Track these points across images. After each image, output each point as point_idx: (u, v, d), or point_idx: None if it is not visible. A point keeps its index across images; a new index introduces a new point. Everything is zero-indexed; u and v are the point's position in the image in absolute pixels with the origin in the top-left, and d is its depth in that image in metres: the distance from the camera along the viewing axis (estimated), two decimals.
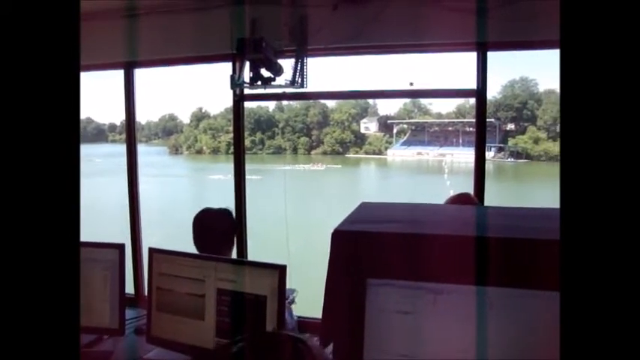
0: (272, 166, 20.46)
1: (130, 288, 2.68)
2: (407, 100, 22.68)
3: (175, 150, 24.74)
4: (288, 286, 2.15)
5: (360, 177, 21.93)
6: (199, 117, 24.41)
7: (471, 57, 2.35)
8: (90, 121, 25.00)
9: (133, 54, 2.69)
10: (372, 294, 0.85)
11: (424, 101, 22.18)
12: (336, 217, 0.97)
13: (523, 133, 20.50)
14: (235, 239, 2.13)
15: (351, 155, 22.69)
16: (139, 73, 2.88)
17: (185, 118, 25.51)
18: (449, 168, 20.11)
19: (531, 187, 17.75)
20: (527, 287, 0.78)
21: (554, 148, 19.41)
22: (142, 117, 25.33)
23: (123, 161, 2.90)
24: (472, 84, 2.36)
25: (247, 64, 2.39)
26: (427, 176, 20.33)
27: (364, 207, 1.08)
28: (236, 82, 2.44)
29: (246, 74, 2.40)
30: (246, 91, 2.60)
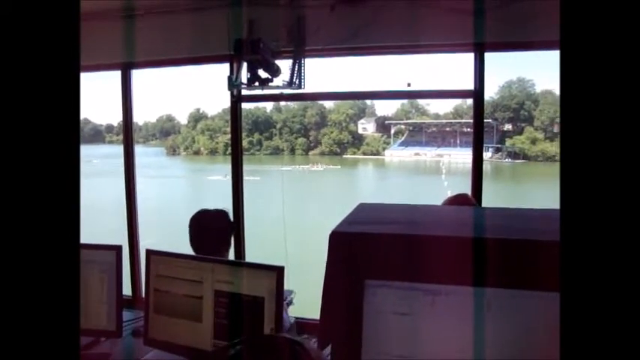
0: (270, 166, 20.48)
1: (127, 289, 2.68)
2: (404, 101, 22.76)
3: (173, 151, 24.74)
4: (286, 287, 2.16)
5: (358, 178, 21.96)
6: (197, 118, 24.42)
7: (469, 58, 2.36)
8: (87, 122, 24.96)
9: (130, 55, 2.69)
10: (369, 295, 0.85)
11: (422, 102, 22.27)
12: (336, 218, 0.97)
13: (520, 133, 20.59)
14: (232, 240, 2.13)
15: (348, 156, 22.73)
16: (136, 74, 2.88)
17: (183, 118, 25.56)
18: (446, 168, 20.15)
19: (529, 188, 17.81)
20: (525, 288, 0.78)
21: (552, 148, 19.51)
22: (139, 118, 25.34)
23: (120, 162, 2.89)
24: (469, 85, 2.37)
25: (245, 65, 2.39)
26: (425, 177, 20.38)
27: (362, 208, 1.08)
28: (233, 83, 2.44)
29: (244, 75, 2.40)
30: (244, 92, 2.60)
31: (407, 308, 0.83)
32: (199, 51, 2.65)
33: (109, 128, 25.70)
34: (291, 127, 23.20)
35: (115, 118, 23.73)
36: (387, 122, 23.07)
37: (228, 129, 2.79)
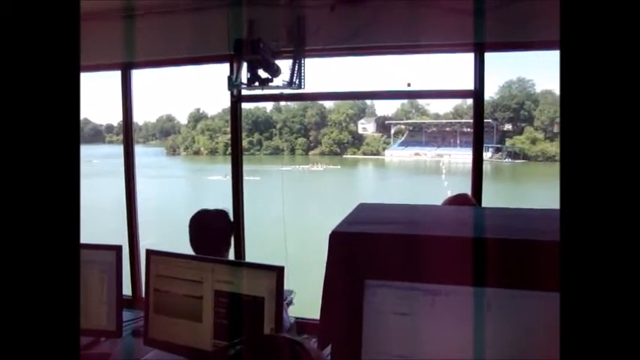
0: (271, 166, 20.49)
1: (127, 289, 2.68)
2: (404, 101, 22.76)
3: (173, 151, 24.73)
4: (286, 287, 2.16)
5: (358, 178, 21.97)
6: (197, 118, 24.42)
7: (469, 58, 2.36)
8: (87, 122, 24.96)
9: (130, 55, 2.69)
10: (369, 295, 0.85)
11: (422, 102, 22.27)
12: (336, 218, 0.97)
13: (520, 133, 20.59)
14: (232, 240, 2.13)
15: (348, 156, 22.73)
16: (136, 74, 2.88)
17: (183, 118, 25.55)
18: (446, 168, 20.15)
19: (529, 188, 17.82)
20: (525, 288, 0.78)
21: (551, 148, 19.51)
22: (139, 118, 25.34)
23: (120, 162, 2.89)
24: (470, 85, 2.37)
25: (245, 65, 2.39)
26: (425, 177, 20.38)
27: (362, 208, 1.08)
28: (233, 83, 2.44)
29: (244, 75, 2.40)
30: (244, 92, 2.60)
31: (407, 308, 0.83)
32: (199, 51, 2.65)
33: (109, 128, 25.71)
34: (291, 127, 23.20)
35: (115, 118, 23.75)
36: (387, 122, 23.07)
37: (228, 129, 2.79)
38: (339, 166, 22.00)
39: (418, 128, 22.73)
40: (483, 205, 2.32)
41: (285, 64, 2.45)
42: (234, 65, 2.45)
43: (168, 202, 15.71)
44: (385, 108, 23.61)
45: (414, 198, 13.49)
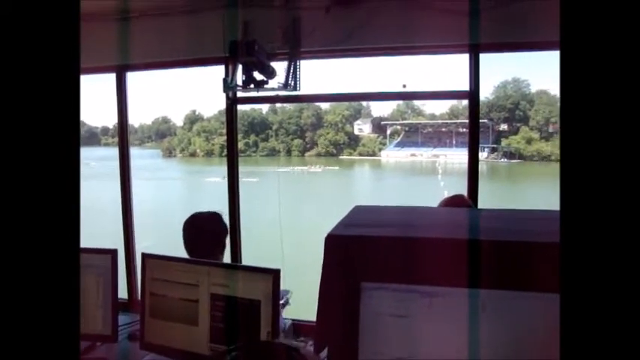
0: (268, 168, 20.45)
1: (123, 293, 2.66)
2: (400, 102, 22.77)
3: (169, 153, 24.66)
4: (287, 288, 2.16)
5: (356, 179, 21.98)
6: (193, 119, 24.36)
7: (464, 59, 2.36)
8: (82, 124, 24.80)
9: (125, 57, 2.68)
10: (366, 297, 0.85)
11: (417, 102, 22.30)
12: (336, 219, 0.97)
13: (516, 133, 20.66)
14: (227, 242, 2.12)
15: (345, 157, 22.73)
16: (132, 76, 2.87)
17: (178, 120, 25.47)
18: (442, 169, 20.19)
19: (524, 187, 17.90)
20: (521, 289, 0.78)
21: (547, 148, 19.60)
22: (135, 120, 25.27)
23: (116, 164, 2.88)
24: (465, 85, 2.37)
25: (240, 67, 2.38)
26: (421, 177, 20.42)
27: (358, 210, 1.08)
28: (229, 85, 2.43)
29: (239, 77, 2.40)
30: (239, 93, 2.59)
31: (404, 310, 0.83)
32: (194, 53, 2.64)
33: (105, 130, 25.58)
34: (287, 128, 23.18)
35: (111, 120, 23.69)
36: (382, 123, 23.09)
37: (224, 130, 2.79)
38: (337, 167, 22.00)
39: (414, 129, 22.76)
40: (479, 205, 2.33)
41: (280, 66, 2.45)
42: (230, 67, 2.45)
43: (165, 205, 15.65)
44: (381, 109, 23.66)
45: (410, 199, 13.52)
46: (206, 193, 16.13)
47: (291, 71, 2.46)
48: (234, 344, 0.60)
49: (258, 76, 2.38)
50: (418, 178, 20.11)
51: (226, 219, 2.16)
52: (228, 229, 2.11)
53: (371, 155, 22.75)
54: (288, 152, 23.16)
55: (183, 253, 1.99)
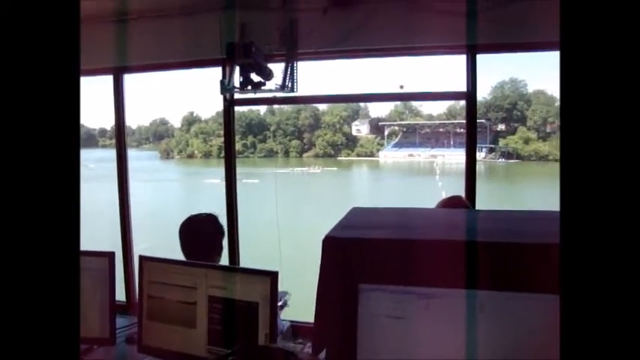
0: (267, 169, 20.43)
1: (121, 295, 2.66)
2: (398, 102, 22.77)
3: (167, 154, 24.59)
4: (286, 289, 2.15)
5: (355, 180, 21.98)
6: (190, 121, 24.30)
7: (461, 59, 2.37)
8: (80, 126, 24.72)
9: (122, 59, 2.68)
10: (364, 299, 0.85)
11: (415, 103, 22.29)
12: (337, 220, 0.97)
13: (513, 133, 20.67)
14: (224, 244, 2.12)
15: (343, 158, 22.71)
16: (129, 77, 2.87)
17: (176, 122, 25.38)
18: (440, 169, 20.20)
19: (522, 187, 17.93)
20: (518, 290, 0.78)
21: (544, 148, 19.62)
22: (132, 121, 25.23)
23: (114, 166, 2.88)
24: (462, 86, 2.38)
25: (237, 69, 2.38)
26: (419, 178, 20.42)
27: (355, 212, 1.08)
28: (226, 87, 2.43)
29: (237, 79, 2.40)
30: (237, 95, 2.59)
31: (401, 312, 0.83)
32: (192, 55, 2.65)
33: (102, 132, 25.51)
34: (284, 129, 23.15)
35: (108, 121, 23.58)
36: (380, 124, 23.08)
37: (222, 132, 2.79)
38: (336, 168, 22.00)
39: (412, 129, 22.76)
40: (477, 205, 2.33)
41: (277, 68, 2.45)
42: (227, 69, 2.45)
43: (163, 206, 15.62)
44: (379, 109, 23.63)
45: (408, 199, 13.53)
46: (204, 194, 16.10)
47: (289, 73, 2.46)
48: (232, 346, 0.60)
49: (255, 77, 2.38)
50: (416, 179, 20.11)
51: (223, 221, 2.16)
52: (225, 231, 2.10)
53: (369, 156, 22.74)
54: (286, 153, 23.13)
55: (181, 255, 1.99)
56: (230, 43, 2.29)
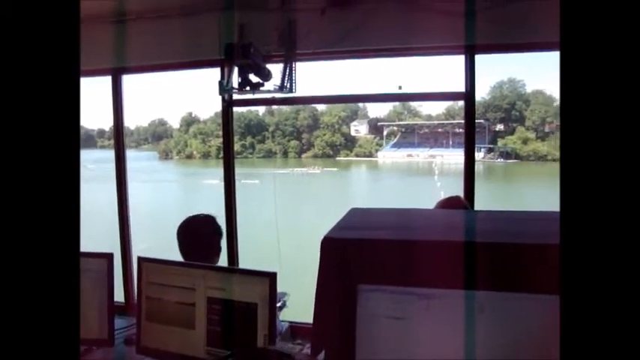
0: (266, 170, 20.43)
1: (120, 296, 2.65)
2: (397, 103, 22.80)
3: (165, 155, 24.57)
4: (285, 290, 2.15)
5: (354, 180, 21.99)
6: (189, 122, 24.29)
7: (460, 59, 2.37)
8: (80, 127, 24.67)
9: (120, 60, 2.67)
10: (363, 300, 0.84)
11: (414, 103, 22.31)
12: (336, 220, 0.97)
13: (512, 133, 20.70)
14: (222, 245, 2.12)
15: (341, 158, 22.72)
16: (128, 78, 2.87)
17: (175, 122, 25.38)
18: (439, 169, 20.21)
19: (521, 187, 17.93)
20: (517, 291, 0.78)
21: (543, 148, 19.66)
22: (131, 122, 25.16)
23: (113, 167, 2.87)
24: (461, 86, 2.38)
25: (236, 70, 2.38)
26: (418, 178, 20.43)
27: (354, 213, 1.08)
28: (224, 88, 2.43)
29: (235, 79, 2.39)
30: (235, 96, 2.59)
31: (401, 312, 0.83)
32: (190, 56, 2.64)
33: (101, 133, 25.46)
34: (283, 129, 23.15)
35: (107, 122, 23.53)
36: (379, 124, 23.09)
37: (221, 132, 2.78)
38: (335, 169, 21.99)
39: (410, 129, 22.77)
40: (476, 205, 2.33)
41: (276, 68, 2.45)
42: (226, 70, 2.44)
43: (162, 207, 15.59)
44: (377, 110, 23.64)
45: (407, 199, 13.52)
46: (203, 195, 16.08)
47: (287, 73, 2.46)
48: (231, 348, 0.60)
49: (254, 78, 2.38)
50: (415, 179, 20.12)
51: (222, 222, 2.16)
52: (224, 232, 2.10)
53: (368, 156, 22.75)
54: (285, 154, 23.13)
55: (180, 256, 1.99)
56: (229, 44, 2.29)
